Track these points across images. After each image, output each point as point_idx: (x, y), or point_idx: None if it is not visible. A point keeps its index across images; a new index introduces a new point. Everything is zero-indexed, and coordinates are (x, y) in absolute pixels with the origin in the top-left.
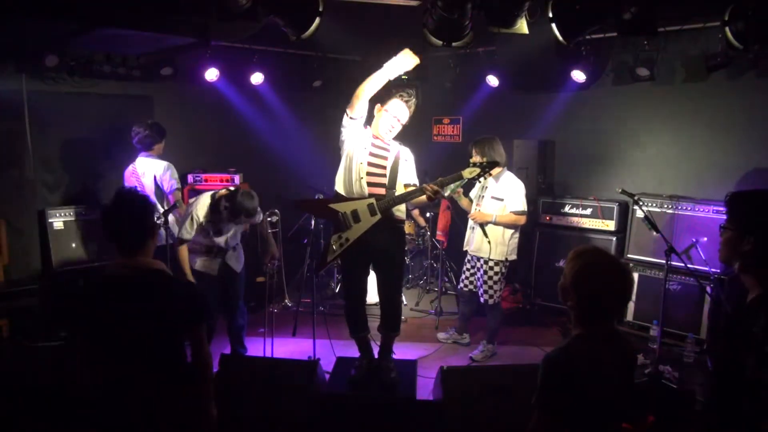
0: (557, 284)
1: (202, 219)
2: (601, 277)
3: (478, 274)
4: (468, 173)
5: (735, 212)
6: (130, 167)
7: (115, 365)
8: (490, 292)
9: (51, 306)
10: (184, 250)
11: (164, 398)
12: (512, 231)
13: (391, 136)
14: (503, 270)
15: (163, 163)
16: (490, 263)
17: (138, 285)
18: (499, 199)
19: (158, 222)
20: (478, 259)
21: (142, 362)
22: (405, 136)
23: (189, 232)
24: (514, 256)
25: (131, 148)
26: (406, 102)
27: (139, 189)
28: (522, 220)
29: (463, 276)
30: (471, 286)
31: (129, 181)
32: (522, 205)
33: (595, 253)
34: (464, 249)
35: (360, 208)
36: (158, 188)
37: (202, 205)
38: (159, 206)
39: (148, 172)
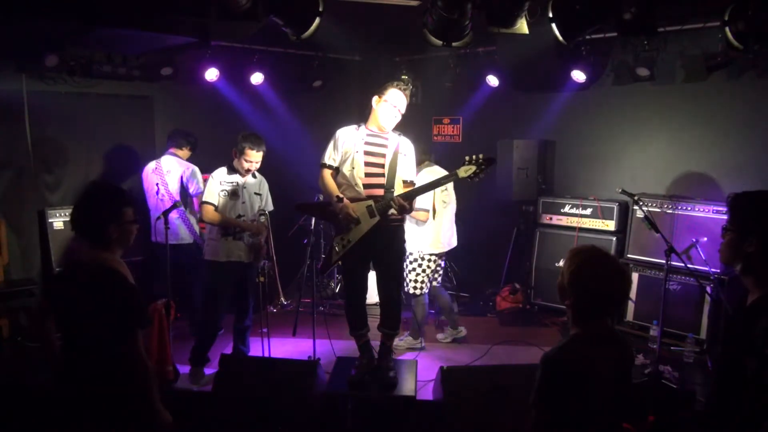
0: (557, 284)
1: (220, 180)
2: (598, 276)
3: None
4: (463, 172)
5: (737, 213)
6: (153, 164)
7: (64, 350)
8: (407, 281)
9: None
10: (208, 210)
11: (107, 394)
12: (420, 225)
13: (392, 125)
14: (420, 263)
15: (191, 166)
16: (408, 255)
17: (86, 275)
18: None
19: (129, 221)
20: None
21: (81, 352)
22: (405, 135)
23: (210, 194)
24: (429, 250)
25: (131, 148)
26: (404, 91)
27: (160, 186)
28: (419, 216)
29: None
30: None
31: (149, 178)
32: (422, 203)
33: (592, 252)
34: None
35: (359, 210)
36: (183, 188)
37: (219, 170)
38: (183, 205)
39: (174, 171)
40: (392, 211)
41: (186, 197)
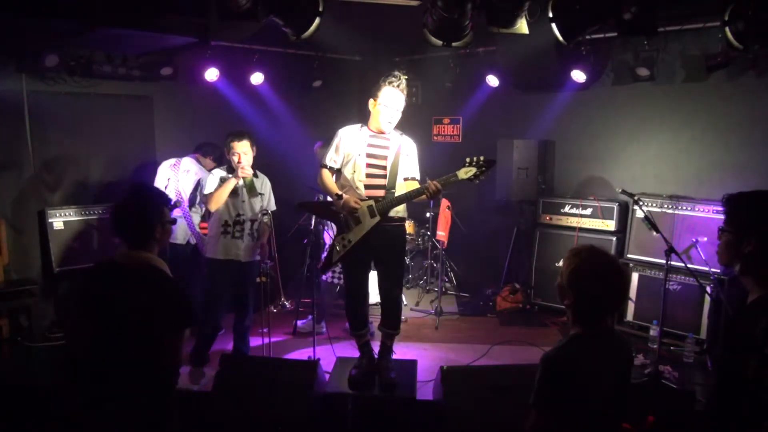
0: (556, 284)
1: (220, 176)
2: (597, 275)
3: None
4: (464, 173)
5: (733, 214)
6: (173, 160)
7: (94, 351)
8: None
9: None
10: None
11: (131, 396)
12: None
13: (392, 126)
14: None
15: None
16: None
17: (130, 276)
18: None
19: (169, 220)
20: None
21: (116, 353)
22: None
23: (212, 187)
24: None
25: (131, 148)
26: (398, 86)
27: (170, 180)
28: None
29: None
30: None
31: (164, 171)
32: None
33: (591, 252)
34: None
35: (360, 210)
36: (195, 191)
37: (219, 168)
38: (185, 205)
39: (193, 172)
40: (427, 194)
41: (195, 198)
